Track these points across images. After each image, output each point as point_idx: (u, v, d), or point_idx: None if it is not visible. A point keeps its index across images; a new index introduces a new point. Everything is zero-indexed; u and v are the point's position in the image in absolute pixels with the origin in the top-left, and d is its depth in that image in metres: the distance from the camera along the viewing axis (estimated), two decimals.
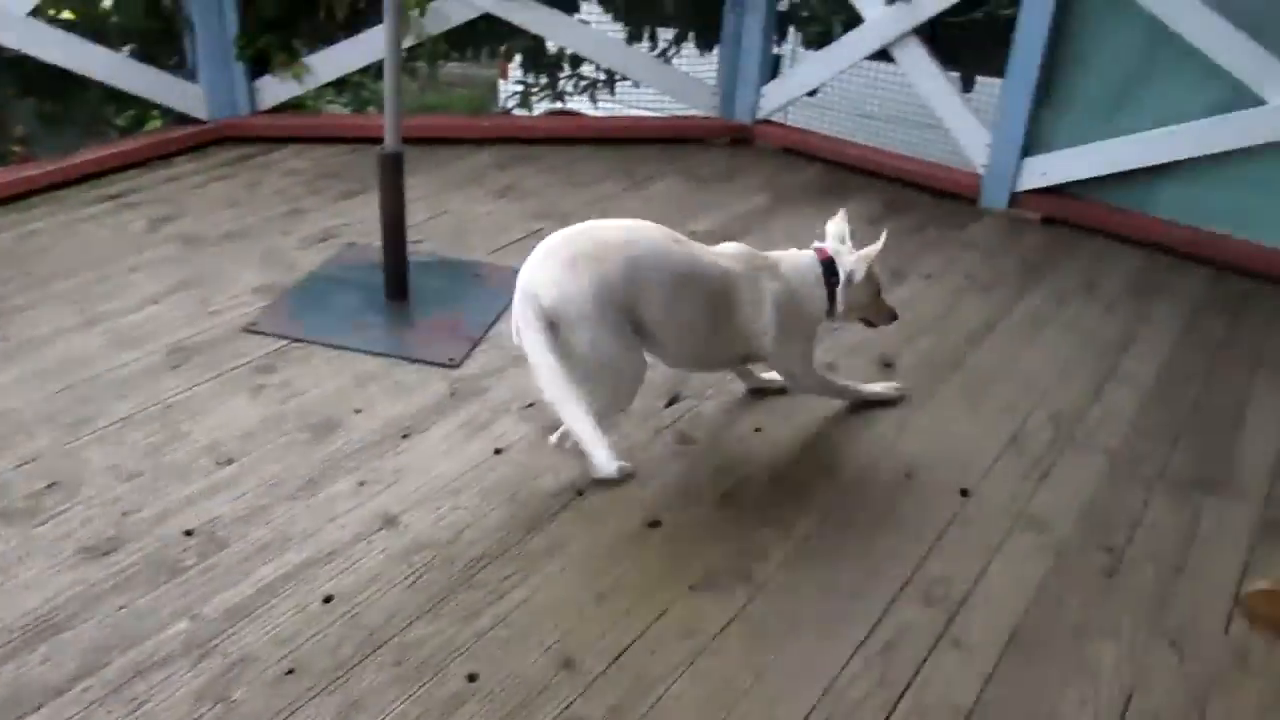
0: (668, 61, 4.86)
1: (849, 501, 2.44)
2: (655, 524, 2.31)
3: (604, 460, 2.09)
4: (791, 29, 4.51)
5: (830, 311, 2.55)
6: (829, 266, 2.53)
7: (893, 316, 2.72)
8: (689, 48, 4.91)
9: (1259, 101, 3.56)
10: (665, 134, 4.57)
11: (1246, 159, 3.66)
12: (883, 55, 4.28)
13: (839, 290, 2.52)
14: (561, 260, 2.21)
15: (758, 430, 2.67)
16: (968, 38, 4.17)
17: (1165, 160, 3.79)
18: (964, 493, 2.49)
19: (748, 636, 2.03)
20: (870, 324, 2.73)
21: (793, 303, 2.49)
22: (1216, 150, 3.68)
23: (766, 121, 4.63)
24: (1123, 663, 2.04)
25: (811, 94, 5.43)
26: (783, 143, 4.61)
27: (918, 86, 4.23)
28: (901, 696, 1.93)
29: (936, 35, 4.12)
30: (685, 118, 4.64)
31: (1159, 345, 3.22)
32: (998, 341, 3.18)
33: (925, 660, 2.02)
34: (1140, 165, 3.84)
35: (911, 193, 4.28)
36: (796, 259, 2.55)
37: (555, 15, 4.41)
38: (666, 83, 4.63)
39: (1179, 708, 1.96)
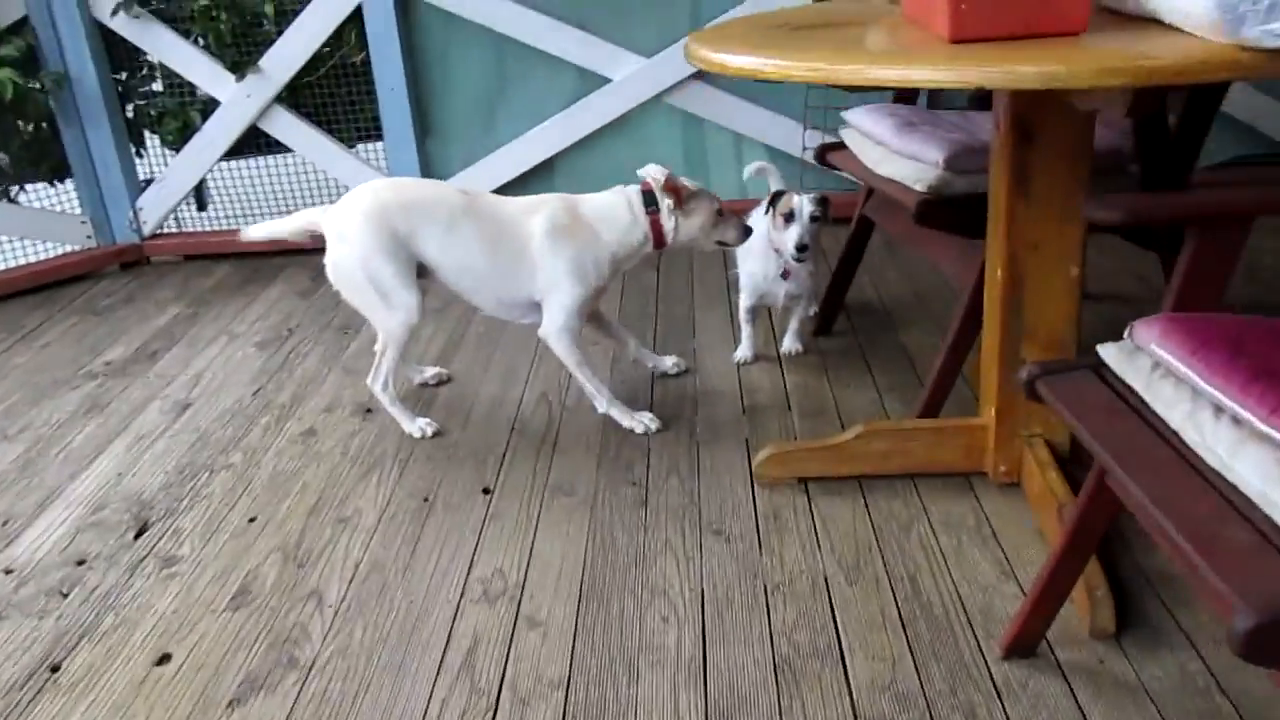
0: (12, 201, 4.23)
1: (376, 549, 2.21)
2: (165, 658, 1.91)
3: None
4: (147, 133, 4.16)
5: (660, 241, 2.62)
6: (649, 197, 2.60)
7: (745, 230, 2.68)
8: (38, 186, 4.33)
9: (605, 80, 3.95)
10: (42, 281, 3.98)
11: (615, 135, 4.04)
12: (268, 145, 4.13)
13: (663, 217, 2.59)
14: (349, 196, 2.61)
15: (252, 520, 2.35)
16: (329, 97, 4.14)
17: (548, 155, 4.06)
18: (486, 491, 2.40)
19: None
20: (726, 244, 2.71)
21: (576, 240, 2.56)
22: (584, 133, 4.01)
23: (157, 236, 4.23)
24: (684, 570, 2.06)
25: (201, 209, 5.12)
26: (184, 250, 4.24)
27: (302, 151, 4.11)
28: (499, 696, 1.76)
29: (300, 105, 4.05)
30: (61, 257, 4.08)
31: (608, 307, 3.39)
32: (468, 353, 3.15)
33: (509, 652, 1.86)
34: (533, 164, 4.05)
35: None
36: (601, 196, 2.65)
37: None
38: (27, 227, 4.04)
39: (743, 580, 2.01)
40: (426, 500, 2.38)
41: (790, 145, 3.99)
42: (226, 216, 4.45)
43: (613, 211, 2.60)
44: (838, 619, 1.90)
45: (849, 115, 2.77)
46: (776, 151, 4.05)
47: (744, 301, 2.91)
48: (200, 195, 5.22)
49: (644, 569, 2.07)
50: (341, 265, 2.56)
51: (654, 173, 2.57)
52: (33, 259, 4.05)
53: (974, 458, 2.27)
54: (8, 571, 2.21)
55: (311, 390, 2.98)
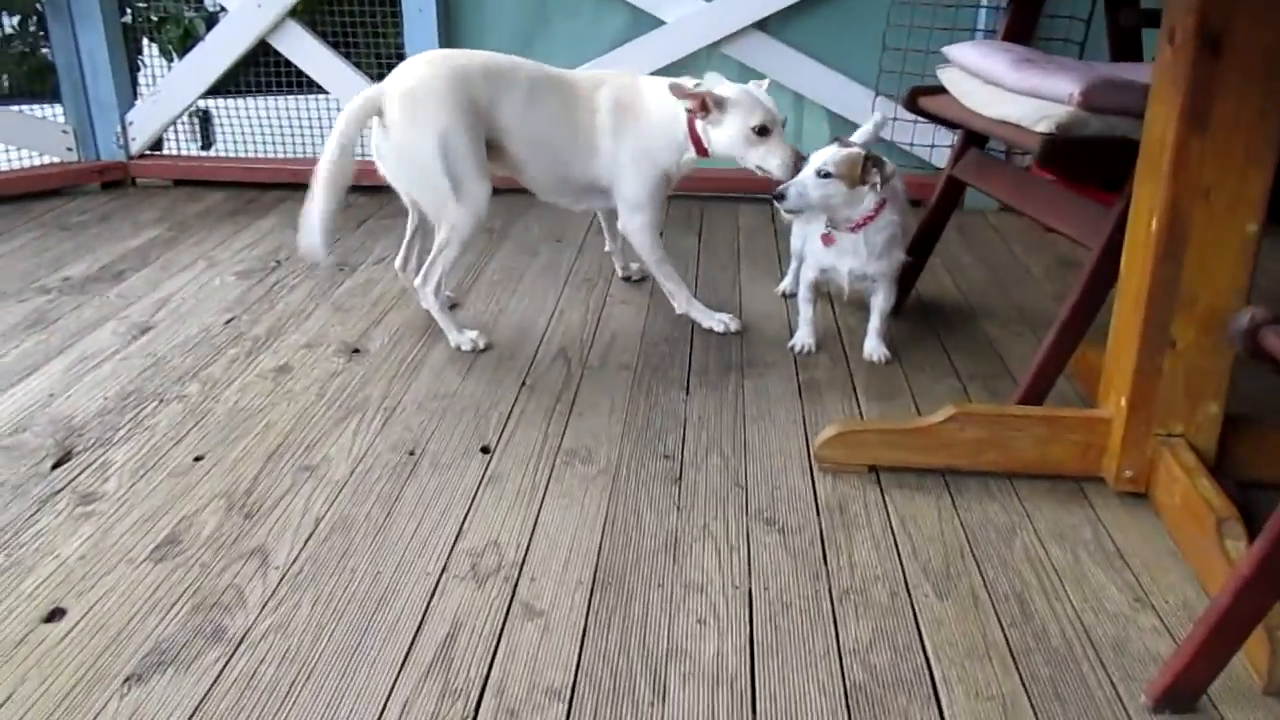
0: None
1: (344, 505, 1.78)
2: (57, 614, 1.49)
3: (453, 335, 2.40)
4: (146, 42, 3.77)
5: (699, 147, 2.36)
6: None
7: (792, 161, 2.28)
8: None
9: (659, 23, 3.54)
10: (9, 191, 3.56)
11: None
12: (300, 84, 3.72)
13: (699, 125, 2.32)
14: (414, 65, 2.29)
15: (199, 459, 1.92)
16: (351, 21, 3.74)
17: None
18: (485, 450, 1.97)
19: (235, 711, 1.30)
20: (767, 172, 2.33)
21: (637, 121, 2.37)
22: None
23: (148, 155, 3.82)
24: (727, 563, 1.62)
25: (206, 147, 4.73)
26: (175, 175, 3.83)
27: (314, 76, 3.70)
28: (480, 702, 1.32)
29: (318, 27, 3.63)
30: (34, 168, 3.67)
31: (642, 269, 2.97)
32: (479, 300, 2.73)
33: (498, 643, 1.43)
34: None
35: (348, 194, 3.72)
36: (659, 81, 2.37)
37: None
38: (0, 131, 3.62)
39: (802, 582, 1.57)
40: (412, 454, 1.95)
41: (856, 113, 3.55)
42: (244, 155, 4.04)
43: (660, 101, 2.36)
44: (926, 641, 1.46)
45: (952, 50, 2.34)
46: (840, 119, 3.63)
47: (805, 275, 2.46)
48: (206, 132, 4.84)
49: (676, 557, 1.64)
50: (412, 145, 2.24)
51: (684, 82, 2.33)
52: (4, 168, 3.63)
53: (1090, 458, 1.84)
54: None
55: (292, 325, 2.56)
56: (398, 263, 2.61)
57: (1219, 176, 1.60)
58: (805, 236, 2.57)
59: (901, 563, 1.63)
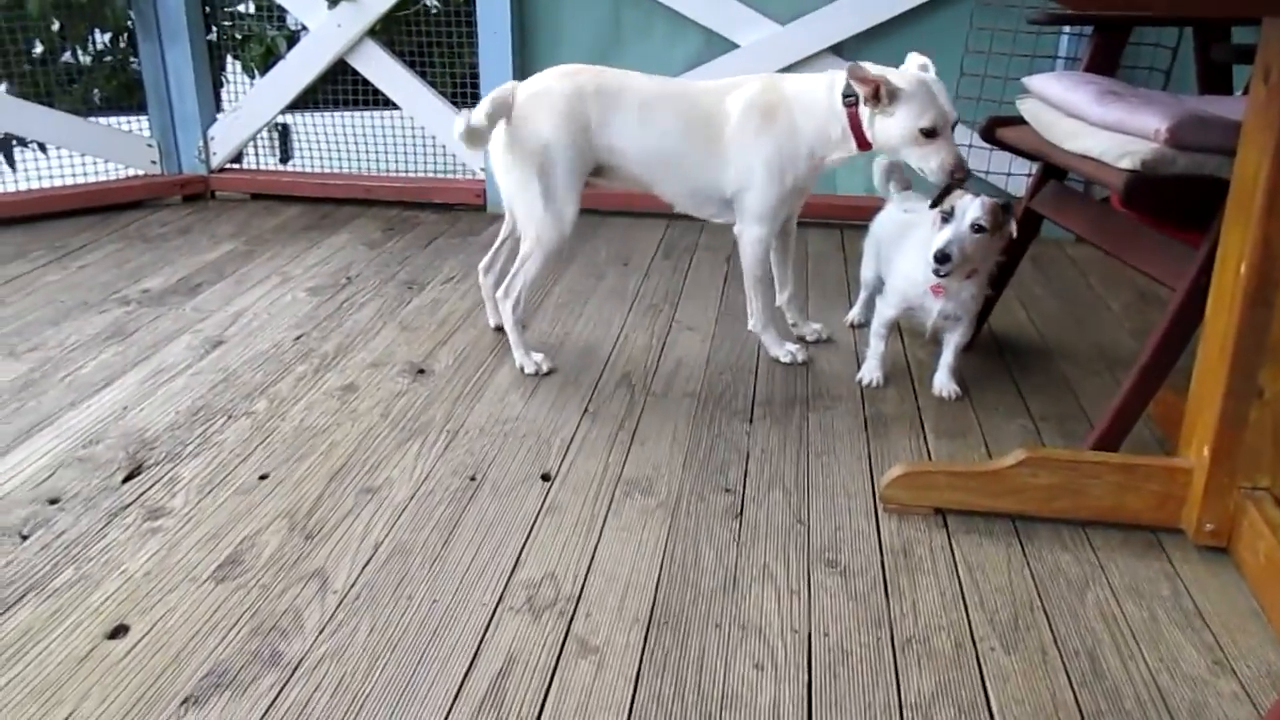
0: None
1: (404, 530, 1.79)
2: (121, 631, 1.51)
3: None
4: (230, 59, 3.86)
5: (861, 140, 2.24)
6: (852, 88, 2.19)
7: (955, 168, 2.15)
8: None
9: (732, 46, 3.52)
10: (95, 202, 3.66)
11: None
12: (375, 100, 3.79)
13: (861, 112, 2.20)
14: (544, 75, 2.34)
15: (264, 477, 1.94)
16: (429, 40, 3.78)
17: None
18: (545, 477, 1.96)
19: None
20: (926, 173, 2.20)
21: (774, 127, 2.26)
22: None
23: (227, 169, 3.91)
24: (786, 605, 1.59)
25: (284, 160, 4.82)
26: (252, 189, 3.92)
27: (390, 94, 3.75)
28: None
29: (396, 47, 3.67)
30: (119, 181, 3.77)
31: (708, 295, 2.95)
32: (544, 322, 2.73)
33: (552, 680, 1.41)
34: None
35: (414, 212, 3.79)
36: (805, 78, 2.32)
37: None
38: (88, 143, 3.73)
39: (863, 629, 1.53)
40: (473, 480, 1.95)
41: None
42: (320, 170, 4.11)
43: (812, 96, 2.26)
44: (992, 697, 1.41)
45: (1032, 81, 2.29)
46: None
47: (883, 310, 2.39)
48: (285, 146, 4.93)
49: (734, 598, 1.61)
50: (518, 144, 2.28)
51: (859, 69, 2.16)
52: (92, 179, 3.74)
53: (1169, 509, 1.77)
54: None
55: (360, 343, 2.58)
56: (481, 265, 2.63)
57: None
58: (879, 265, 2.53)
59: (968, 612, 1.59)
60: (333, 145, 4.03)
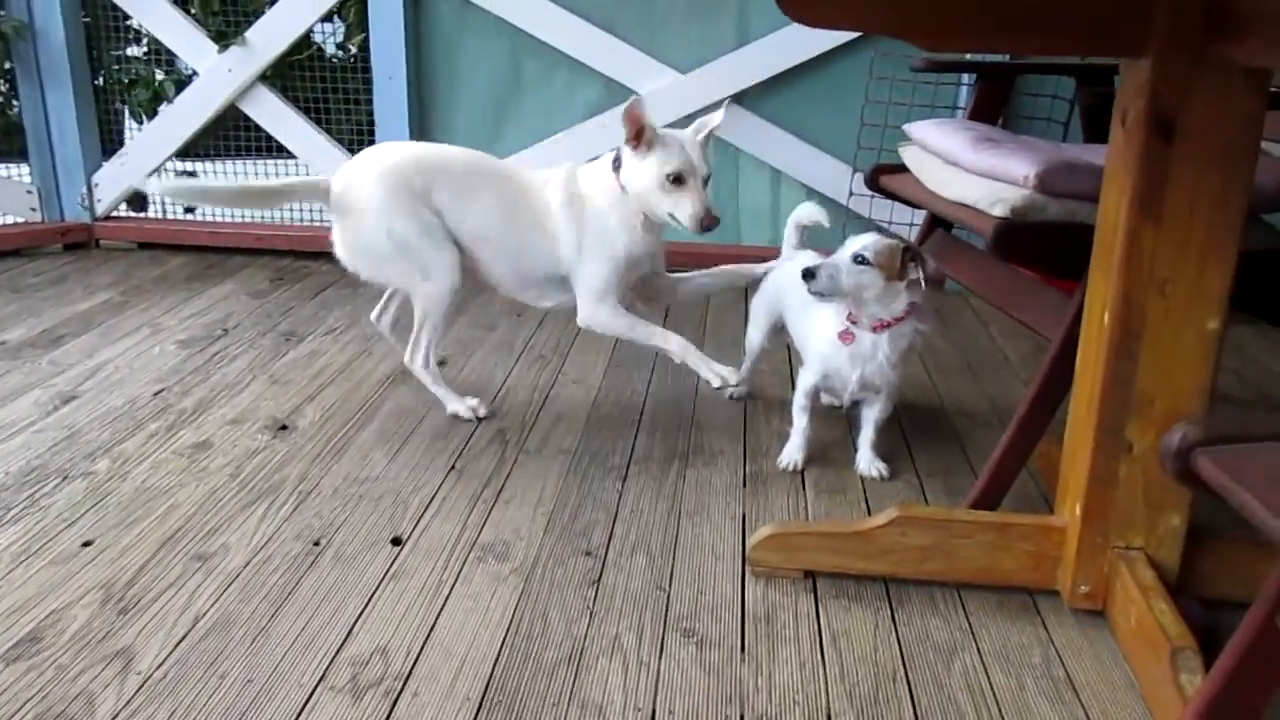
0: None
1: (231, 601, 1.65)
2: None
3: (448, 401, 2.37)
4: (119, 103, 3.73)
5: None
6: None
7: (705, 217, 2.13)
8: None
9: (632, 93, 3.46)
10: None
11: None
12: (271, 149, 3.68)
13: (626, 157, 2.20)
14: (353, 162, 2.28)
15: (87, 544, 1.79)
16: (323, 88, 3.70)
17: None
18: (396, 542, 1.83)
19: None
20: (678, 222, 2.17)
21: (586, 210, 2.24)
22: (602, 151, 3.50)
23: (113, 218, 3.76)
24: (633, 681, 1.47)
25: (191, 209, 4.68)
26: (140, 238, 3.77)
27: (285, 141, 3.64)
28: None
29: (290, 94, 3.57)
30: None
31: (599, 347, 2.85)
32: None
33: None
34: None
35: (305, 262, 3.66)
36: (597, 162, 2.29)
37: None
38: None
39: (713, 705, 1.42)
40: (317, 545, 1.81)
41: (835, 189, 3.47)
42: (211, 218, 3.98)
43: (600, 172, 2.26)
44: None
45: (912, 128, 2.24)
46: (818, 195, 3.53)
47: (804, 379, 2.18)
48: None
49: (578, 673, 1.49)
50: (360, 238, 2.23)
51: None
52: None
53: (1044, 570, 1.68)
54: None
55: (223, 398, 2.44)
56: (373, 315, 2.51)
57: (1175, 268, 1.48)
58: (788, 330, 2.37)
59: (826, 685, 1.48)
60: None
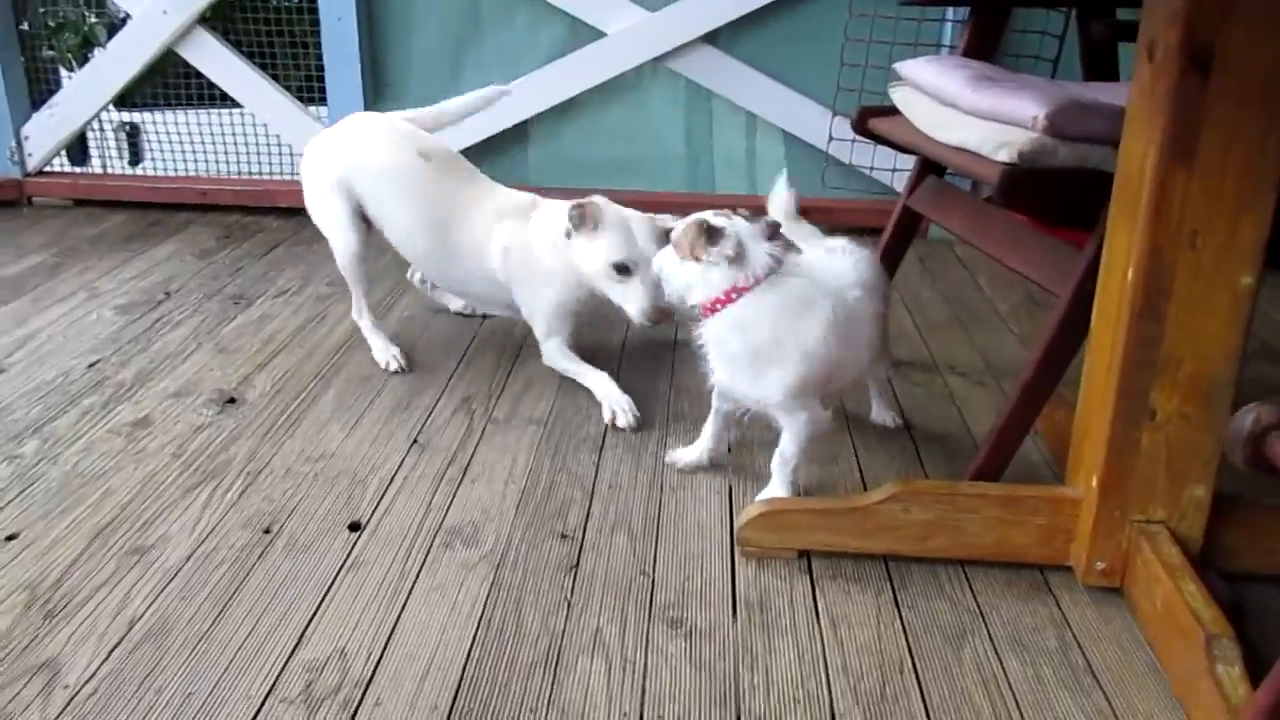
0: None
1: (170, 601, 1.49)
2: None
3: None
4: (47, 49, 3.48)
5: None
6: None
7: (653, 313, 2.02)
8: None
9: (599, 34, 3.27)
10: None
11: (604, 101, 3.36)
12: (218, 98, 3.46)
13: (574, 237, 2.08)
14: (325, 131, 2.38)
15: (11, 538, 1.63)
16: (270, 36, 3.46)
17: (523, 119, 3.36)
18: (354, 527, 1.68)
19: None
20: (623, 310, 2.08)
21: (530, 266, 2.18)
22: (567, 95, 3.33)
23: (47, 172, 3.53)
24: (618, 680, 1.34)
25: (135, 163, 4.43)
26: (75, 194, 3.53)
27: (229, 89, 3.41)
28: None
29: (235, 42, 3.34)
30: None
31: None
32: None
33: None
34: (503, 128, 3.36)
35: (255, 218, 3.45)
36: (553, 212, 2.17)
37: None
38: None
39: (706, 708, 1.29)
40: (268, 532, 1.66)
41: (813, 134, 3.30)
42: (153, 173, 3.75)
43: (554, 229, 2.15)
44: None
45: (904, 66, 2.08)
46: (796, 139, 3.37)
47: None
48: (135, 147, 4.54)
49: (557, 675, 1.35)
50: (304, 187, 2.35)
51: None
52: None
53: (1056, 545, 1.57)
54: None
55: (166, 368, 2.26)
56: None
57: (1207, 220, 1.34)
58: None
59: (829, 680, 1.36)
60: (174, 147, 3.68)
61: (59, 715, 1.26)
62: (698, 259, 1.62)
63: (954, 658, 1.41)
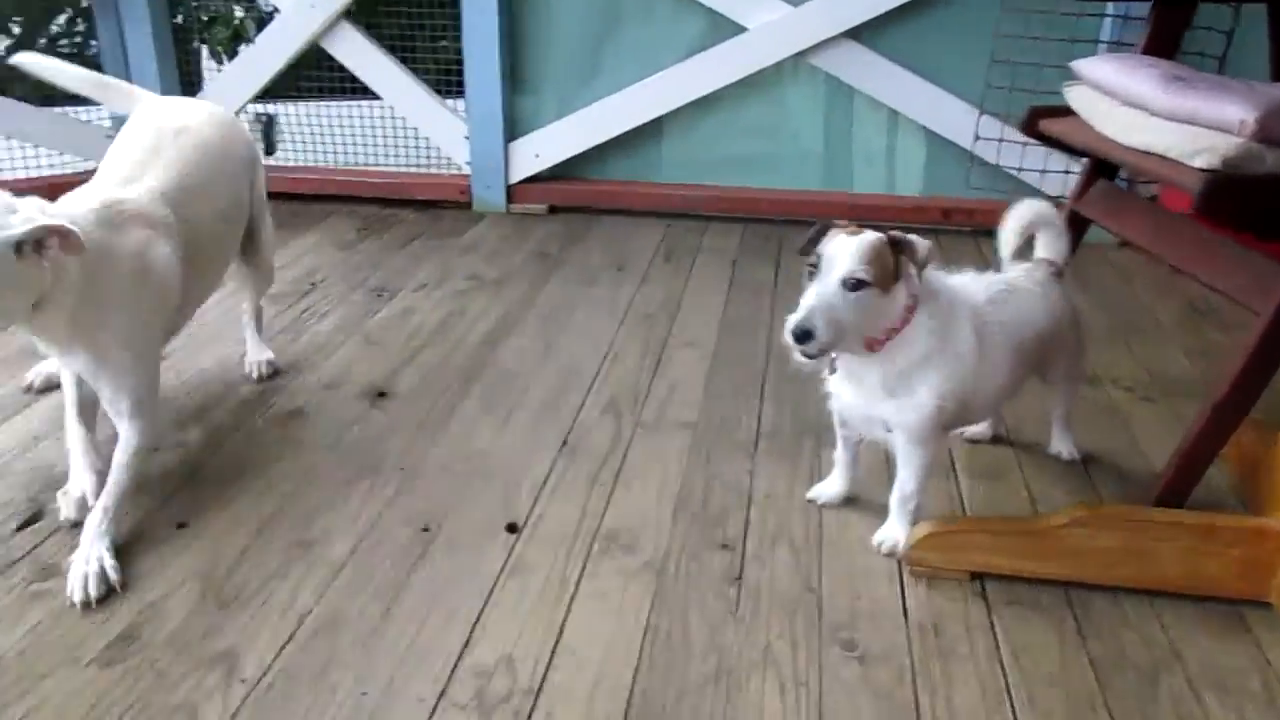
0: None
1: (338, 596, 1.50)
2: None
3: None
4: (198, 42, 3.58)
5: None
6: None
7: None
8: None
9: (739, 29, 3.22)
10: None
11: (742, 98, 3.31)
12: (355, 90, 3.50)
13: None
14: None
15: (182, 526, 1.66)
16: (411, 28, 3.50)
17: (658, 114, 3.34)
18: (512, 529, 1.67)
19: None
20: None
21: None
22: (704, 91, 3.29)
23: None
24: (793, 701, 1.30)
25: (269, 153, 4.54)
26: None
27: (369, 82, 3.46)
28: None
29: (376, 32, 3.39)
30: (72, 175, 3.47)
31: (710, 304, 2.66)
32: (524, 337, 2.43)
33: None
34: (637, 124, 3.34)
35: (393, 210, 3.49)
36: None
37: None
38: (42, 133, 3.43)
39: None
40: (426, 530, 1.66)
41: (958, 133, 3.20)
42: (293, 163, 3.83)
43: None
44: None
45: (1083, 65, 1.98)
46: (938, 138, 3.27)
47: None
48: (270, 138, 4.66)
49: (729, 692, 1.32)
50: None
51: None
52: (46, 172, 3.46)
53: (1254, 578, 1.47)
54: None
55: (317, 359, 2.30)
56: None
57: None
58: None
59: (1015, 714, 1.29)
60: (311, 138, 3.75)
61: (240, 706, 1.28)
62: (896, 280, 1.46)
63: (1148, 691, 1.33)
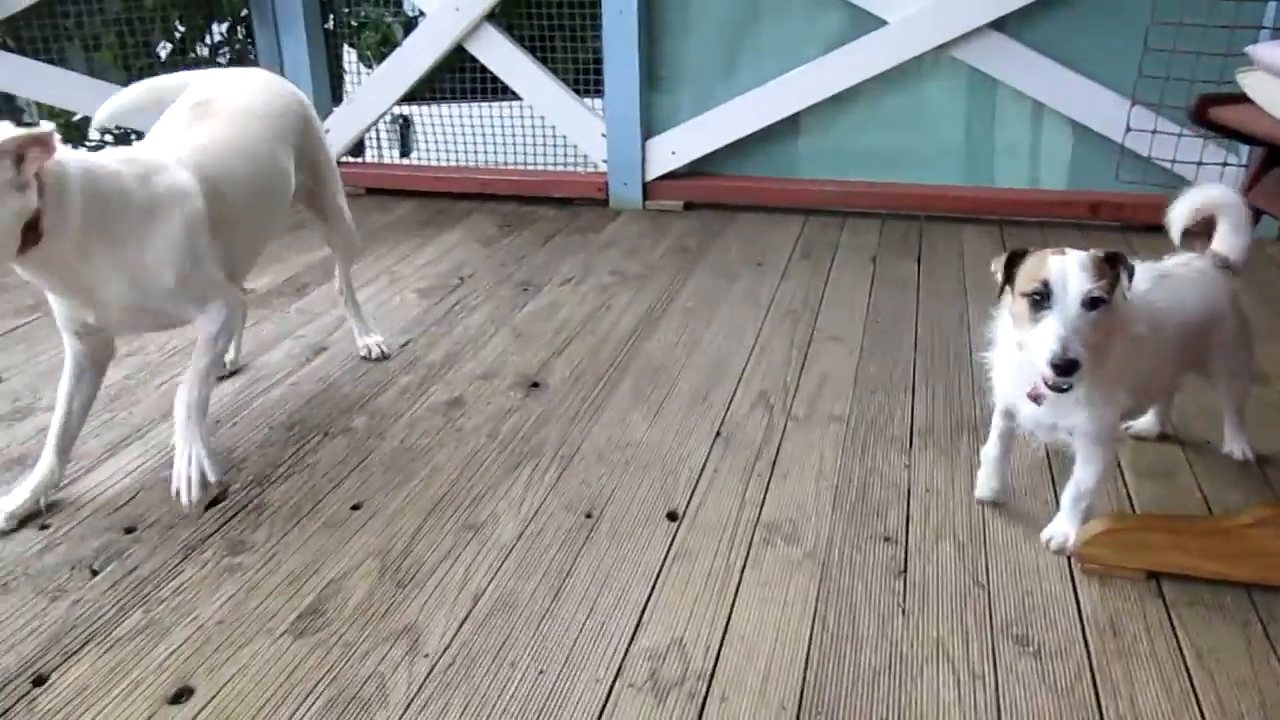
0: None
1: (508, 578, 1.55)
2: (184, 694, 1.31)
3: None
4: (346, 47, 3.71)
5: None
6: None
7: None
8: None
9: (880, 23, 3.19)
10: None
11: (882, 92, 3.28)
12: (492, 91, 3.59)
13: None
14: None
15: (356, 508, 1.73)
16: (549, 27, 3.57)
17: (796, 109, 3.33)
18: (672, 517, 1.69)
19: None
20: None
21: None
22: (843, 86, 3.26)
23: (343, 163, 3.77)
24: (969, 693, 1.29)
25: (405, 154, 4.69)
26: (367, 183, 3.75)
27: (510, 82, 3.54)
28: None
29: (516, 32, 3.46)
30: None
31: (853, 300, 2.64)
32: (669, 331, 2.46)
33: None
34: (776, 119, 3.33)
35: (531, 207, 3.57)
36: None
37: None
38: None
39: None
40: (589, 517, 1.70)
41: (1108, 126, 3.10)
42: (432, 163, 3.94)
43: None
44: None
45: (1259, 50, 1.90)
46: (1085, 130, 3.18)
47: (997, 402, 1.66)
48: (405, 139, 4.81)
49: (903, 681, 1.31)
50: None
51: None
52: None
53: None
54: (44, 527, 1.68)
55: (470, 351, 2.36)
56: None
57: None
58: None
59: (1203, 716, 1.25)
60: (450, 138, 3.85)
61: (424, 681, 1.33)
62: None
63: None
